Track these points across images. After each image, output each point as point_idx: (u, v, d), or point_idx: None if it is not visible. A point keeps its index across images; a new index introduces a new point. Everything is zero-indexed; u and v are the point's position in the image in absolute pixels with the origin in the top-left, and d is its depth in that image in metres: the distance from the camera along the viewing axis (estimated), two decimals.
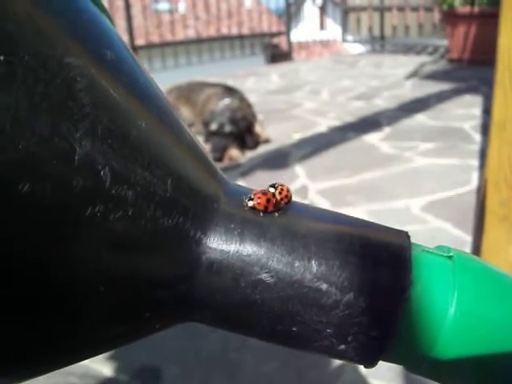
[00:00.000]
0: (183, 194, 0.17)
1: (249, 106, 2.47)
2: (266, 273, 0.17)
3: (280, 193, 0.20)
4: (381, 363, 0.19)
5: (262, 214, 0.18)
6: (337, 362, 0.96)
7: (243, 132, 2.26)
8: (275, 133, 2.46)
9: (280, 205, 0.19)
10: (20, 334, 0.15)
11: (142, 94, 0.18)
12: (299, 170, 1.99)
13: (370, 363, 0.19)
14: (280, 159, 2.14)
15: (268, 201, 0.19)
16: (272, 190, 0.20)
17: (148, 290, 0.17)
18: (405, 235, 0.19)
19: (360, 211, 1.58)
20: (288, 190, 0.20)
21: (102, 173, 0.15)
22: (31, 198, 0.14)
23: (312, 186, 1.82)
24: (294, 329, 0.18)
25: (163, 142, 0.17)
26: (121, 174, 0.15)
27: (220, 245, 0.17)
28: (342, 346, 0.18)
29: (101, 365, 0.98)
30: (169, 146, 0.17)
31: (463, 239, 1.38)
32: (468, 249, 1.27)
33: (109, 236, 0.15)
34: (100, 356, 0.99)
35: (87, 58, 0.16)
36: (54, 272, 0.15)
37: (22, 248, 0.14)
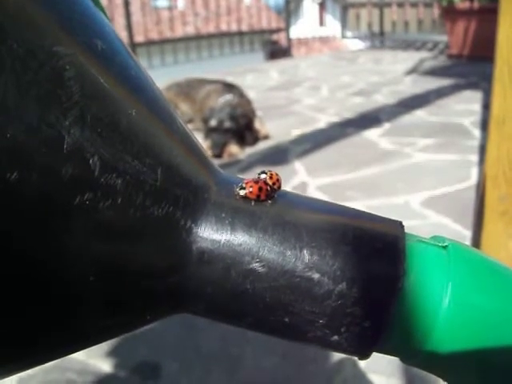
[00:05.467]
0: (173, 183, 0.17)
1: (248, 102, 2.47)
2: (258, 262, 0.17)
3: (270, 178, 0.20)
4: (380, 357, 0.19)
5: (253, 202, 0.18)
6: (336, 357, 0.96)
7: (243, 128, 2.26)
8: (275, 129, 2.46)
9: (272, 193, 0.19)
10: (11, 326, 0.15)
11: (133, 84, 0.17)
12: (298, 165, 1.99)
13: (364, 354, 0.19)
14: (279, 155, 2.14)
15: (260, 189, 0.18)
16: (263, 175, 0.20)
17: (138, 280, 0.17)
18: (399, 225, 0.19)
19: (359, 207, 1.56)
20: (277, 176, 0.20)
21: (91, 161, 0.15)
22: (19, 186, 0.14)
23: (311, 182, 1.82)
24: (286, 319, 0.18)
25: (154, 131, 0.17)
26: (110, 162, 0.15)
27: (211, 234, 0.17)
28: (335, 337, 0.18)
29: (99, 360, 0.98)
30: (159, 135, 0.17)
31: (463, 234, 1.38)
32: (467, 244, 1.27)
33: (98, 225, 0.15)
34: (98, 351, 0.99)
35: (77, 47, 0.16)
36: (42, 262, 0.15)
37: (9, 237, 0.14)
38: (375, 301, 0.18)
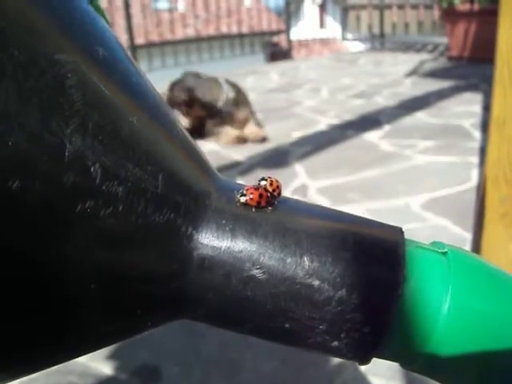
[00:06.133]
0: (174, 190, 0.17)
1: (244, 96, 2.48)
2: (258, 269, 0.17)
3: (271, 184, 0.20)
4: (380, 360, 0.19)
5: (254, 209, 0.18)
6: (336, 360, 0.96)
7: (185, 105, 2.37)
8: (275, 131, 2.46)
9: (272, 199, 0.19)
10: (14, 331, 0.15)
11: (134, 91, 0.18)
12: (299, 168, 1.99)
13: (364, 360, 0.19)
14: (280, 157, 2.14)
15: (260, 196, 0.18)
16: (263, 182, 0.20)
17: (139, 287, 0.17)
18: (399, 231, 0.19)
19: (359, 209, 1.58)
20: (278, 183, 0.20)
21: (92, 169, 0.15)
22: (21, 194, 0.14)
23: (312, 185, 1.82)
24: (286, 325, 0.18)
25: (155, 138, 0.17)
26: (111, 170, 0.15)
27: (211, 241, 0.17)
28: (335, 343, 0.18)
29: (100, 363, 0.98)
30: (160, 142, 0.17)
31: (463, 237, 1.38)
32: (468, 246, 1.27)
33: (99, 232, 0.15)
34: (99, 355, 0.99)
35: (79, 55, 0.16)
36: (44, 269, 0.15)
37: (11, 245, 0.14)
38: (375, 307, 0.18)
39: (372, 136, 2.35)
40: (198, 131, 2.38)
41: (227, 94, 2.42)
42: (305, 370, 0.96)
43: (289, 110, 2.91)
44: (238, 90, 2.48)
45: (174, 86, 2.50)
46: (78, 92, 0.15)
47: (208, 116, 2.41)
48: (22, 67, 0.14)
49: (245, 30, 6.11)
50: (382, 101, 3.01)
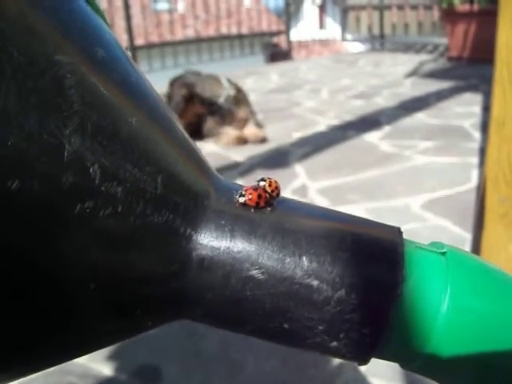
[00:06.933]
0: (173, 190, 0.17)
1: (245, 96, 2.49)
2: (257, 269, 0.17)
3: (269, 185, 0.20)
4: (381, 361, 0.19)
5: (253, 210, 0.18)
6: (336, 361, 0.96)
7: (183, 101, 2.41)
8: (275, 132, 2.46)
9: (271, 200, 0.19)
10: (13, 331, 0.15)
11: (133, 92, 0.18)
12: (299, 168, 1.99)
13: (363, 360, 0.19)
14: (280, 158, 2.14)
15: (259, 196, 0.19)
16: (262, 183, 0.20)
17: (139, 287, 0.17)
18: (397, 231, 0.19)
19: (360, 210, 1.58)
20: (277, 183, 0.20)
21: (91, 170, 0.15)
22: (20, 194, 0.14)
23: (312, 185, 1.82)
24: (285, 325, 0.18)
25: (154, 139, 0.17)
26: (110, 170, 0.15)
27: (211, 241, 0.17)
28: (334, 343, 0.18)
29: (100, 364, 0.98)
30: (159, 143, 0.17)
31: (463, 237, 1.38)
32: (468, 246, 1.27)
33: (98, 233, 0.15)
34: (99, 355, 0.99)
35: (78, 55, 0.16)
36: (43, 269, 0.15)
37: (10, 245, 0.14)
38: (374, 307, 0.18)
39: (372, 137, 2.35)
40: (197, 130, 2.37)
41: (228, 91, 2.42)
42: (306, 369, 0.96)
43: (289, 111, 2.91)
44: (239, 89, 2.48)
45: (174, 83, 2.51)
46: (76, 93, 0.15)
47: (208, 113, 2.40)
48: (22, 68, 0.14)
49: (244, 30, 6.12)
50: (382, 101, 3.01)
